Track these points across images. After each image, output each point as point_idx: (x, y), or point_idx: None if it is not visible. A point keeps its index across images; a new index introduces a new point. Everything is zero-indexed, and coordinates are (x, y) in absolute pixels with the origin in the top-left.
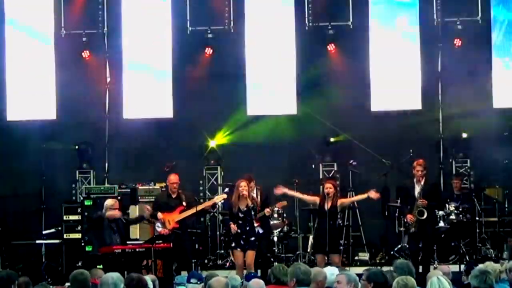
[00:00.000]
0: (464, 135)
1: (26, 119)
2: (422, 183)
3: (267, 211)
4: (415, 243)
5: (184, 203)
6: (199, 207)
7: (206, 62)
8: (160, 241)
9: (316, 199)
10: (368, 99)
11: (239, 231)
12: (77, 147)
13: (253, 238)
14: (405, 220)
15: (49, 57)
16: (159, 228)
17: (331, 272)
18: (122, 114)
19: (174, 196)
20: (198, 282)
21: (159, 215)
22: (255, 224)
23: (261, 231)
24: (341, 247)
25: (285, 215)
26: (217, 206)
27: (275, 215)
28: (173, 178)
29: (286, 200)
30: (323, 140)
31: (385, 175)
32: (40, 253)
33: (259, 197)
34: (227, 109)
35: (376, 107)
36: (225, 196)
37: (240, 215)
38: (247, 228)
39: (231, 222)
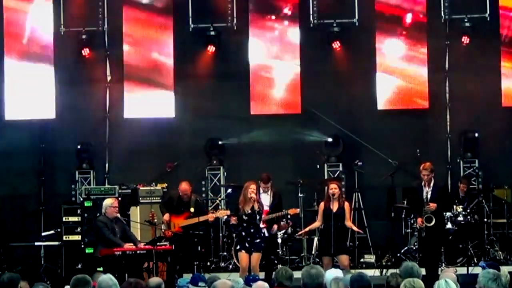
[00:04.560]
0: (472, 135)
1: (25, 119)
2: (431, 185)
3: (279, 227)
4: (425, 246)
5: (191, 209)
6: (201, 219)
7: (208, 60)
8: (163, 243)
9: (317, 224)
10: (374, 98)
11: (243, 233)
12: (77, 147)
13: (258, 240)
14: (417, 225)
15: (48, 55)
16: (164, 229)
17: (333, 274)
18: (123, 113)
19: (185, 200)
20: (205, 285)
21: (166, 216)
22: (262, 226)
23: (267, 233)
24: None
25: (289, 216)
26: (219, 220)
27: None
28: (184, 187)
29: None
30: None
31: (391, 176)
32: (39, 256)
33: (272, 198)
34: (229, 108)
35: (383, 105)
36: (228, 212)
37: (245, 217)
38: (252, 231)
39: (232, 215)
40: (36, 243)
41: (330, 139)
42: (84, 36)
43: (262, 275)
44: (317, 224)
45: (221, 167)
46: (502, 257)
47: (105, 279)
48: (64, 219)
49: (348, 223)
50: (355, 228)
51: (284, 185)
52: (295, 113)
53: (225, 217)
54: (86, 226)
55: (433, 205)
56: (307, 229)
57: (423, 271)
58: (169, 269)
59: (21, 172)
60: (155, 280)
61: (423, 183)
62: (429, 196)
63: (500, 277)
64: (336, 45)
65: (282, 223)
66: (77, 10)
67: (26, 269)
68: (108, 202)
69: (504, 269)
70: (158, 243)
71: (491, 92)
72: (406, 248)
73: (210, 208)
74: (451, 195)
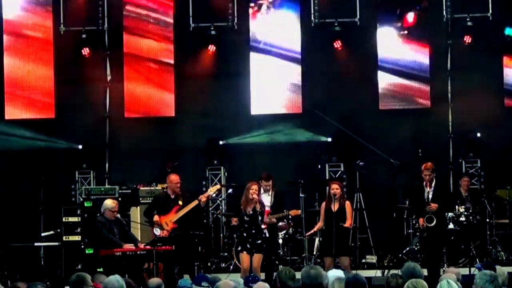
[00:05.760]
0: (475, 135)
1: (25, 118)
2: (432, 186)
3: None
4: (427, 247)
5: (180, 202)
6: (192, 204)
7: (209, 59)
8: (161, 244)
9: (320, 225)
10: (375, 98)
11: (245, 234)
12: (77, 147)
13: (259, 241)
14: (418, 225)
15: (48, 55)
16: (157, 231)
17: (334, 275)
18: (123, 113)
19: (172, 197)
20: (210, 286)
21: (155, 218)
22: (263, 227)
23: (267, 234)
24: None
25: (290, 217)
26: (213, 197)
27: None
28: (174, 178)
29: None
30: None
31: (393, 176)
32: (39, 256)
33: (273, 198)
34: (230, 108)
35: (384, 105)
36: (218, 186)
37: (246, 218)
38: (253, 232)
39: (233, 216)
40: (36, 244)
41: (331, 139)
42: (84, 36)
43: (262, 275)
44: (320, 224)
45: (222, 167)
46: (504, 258)
47: (112, 281)
48: (64, 219)
49: (347, 222)
50: (346, 224)
51: (285, 185)
52: (296, 113)
53: (216, 192)
54: (86, 227)
55: (434, 206)
56: (312, 231)
57: (425, 272)
58: (166, 270)
59: (21, 172)
60: (155, 280)
61: (424, 183)
62: (430, 196)
63: (497, 278)
64: (338, 44)
65: (282, 223)
66: (77, 10)
67: (26, 269)
68: (108, 205)
69: (502, 269)
70: (158, 244)
71: (493, 92)
72: (408, 248)
73: (210, 209)
74: (453, 195)
